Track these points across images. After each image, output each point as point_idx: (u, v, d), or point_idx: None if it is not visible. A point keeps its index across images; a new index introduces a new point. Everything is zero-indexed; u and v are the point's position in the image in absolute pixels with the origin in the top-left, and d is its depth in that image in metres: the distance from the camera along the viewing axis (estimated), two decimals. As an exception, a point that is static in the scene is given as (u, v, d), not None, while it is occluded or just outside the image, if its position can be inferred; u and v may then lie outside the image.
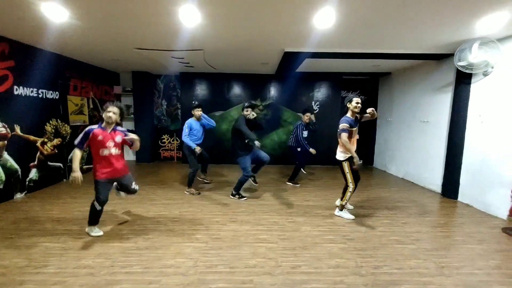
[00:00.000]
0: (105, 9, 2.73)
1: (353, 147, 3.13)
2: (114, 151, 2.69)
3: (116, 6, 2.65)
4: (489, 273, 2.18)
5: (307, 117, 4.71)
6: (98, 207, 2.68)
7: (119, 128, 2.76)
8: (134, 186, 2.92)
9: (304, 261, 2.32)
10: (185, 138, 4.06)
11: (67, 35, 3.54)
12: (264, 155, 4.00)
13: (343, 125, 3.04)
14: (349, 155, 3.11)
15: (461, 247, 2.64)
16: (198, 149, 4.04)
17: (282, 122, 6.70)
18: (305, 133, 4.74)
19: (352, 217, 3.27)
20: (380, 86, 6.57)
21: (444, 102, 4.39)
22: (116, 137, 2.71)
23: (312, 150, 4.60)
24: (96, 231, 2.77)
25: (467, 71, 3.67)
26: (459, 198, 4.06)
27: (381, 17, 2.84)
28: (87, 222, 2.76)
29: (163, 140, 7.16)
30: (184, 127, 4.12)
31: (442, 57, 4.30)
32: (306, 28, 3.15)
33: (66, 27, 3.24)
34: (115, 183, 2.88)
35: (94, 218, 2.76)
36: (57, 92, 4.70)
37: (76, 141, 2.57)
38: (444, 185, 4.29)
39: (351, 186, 3.20)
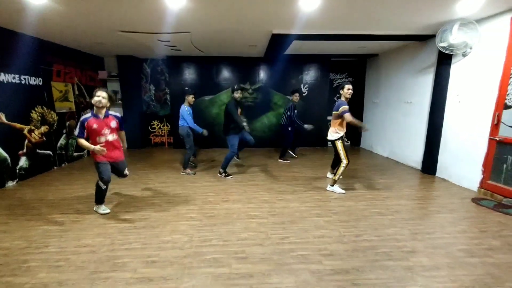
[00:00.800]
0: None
1: (344, 129, 3.54)
2: (111, 137, 2.78)
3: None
4: (455, 237, 2.45)
5: (296, 97, 5.06)
6: (103, 186, 2.86)
7: (111, 113, 2.81)
8: (127, 171, 3.03)
9: (292, 233, 2.51)
10: (193, 124, 4.37)
11: (46, 18, 3.42)
12: (250, 138, 4.25)
13: (344, 106, 3.38)
14: (341, 134, 3.52)
15: (435, 216, 2.90)
16: (205, 132, 4.41)
17: (272, 105, 6.77)
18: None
19: (343, 191, 3.56)
20: (368, 68, 6.67)
21: (426, 83, 4.56)
22: (111, 122, 2.76)
23: (307, 126, 4.94)
24: (103, 209, 2.97)
25: (448, 52, 3.80)
26: (437, 174, 4.35)
27: (366, -1, 2.89)
28: (94, 201, 2.96)
29: (153, 126, 7.13)
30: (185, 114, 4.33)
31: (425, 38, 4.41)
32: (292, 10, 3.17)
33: (44, 10, 3.12)
34: None
35: (100, 197, 2.94)
36: (40, 78, 4.56)
37: (76, 132, 2.70)
38: (424, 162, 4.57)
39: (344, 161, 3.49)
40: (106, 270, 1.97)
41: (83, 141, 2.65)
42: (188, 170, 4.49)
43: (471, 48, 3.68)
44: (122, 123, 2.93)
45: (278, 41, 4.54)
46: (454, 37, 3.56)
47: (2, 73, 3.83)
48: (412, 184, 3.99)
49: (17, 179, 4.09)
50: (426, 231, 2.55)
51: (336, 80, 7.06)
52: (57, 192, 3.62)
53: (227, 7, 3.11)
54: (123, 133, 2.98)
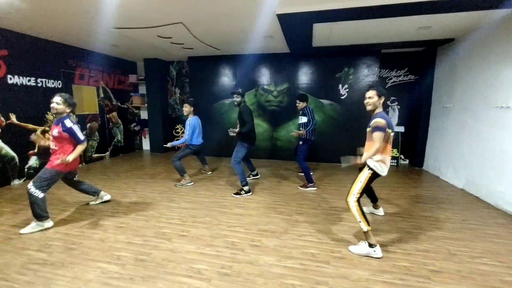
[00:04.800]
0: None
1: (387, 157, 2.25)
2: (52, 145, 2.59)
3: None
4: None
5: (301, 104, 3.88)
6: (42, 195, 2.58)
7: (65, 121, 2.51)
8: (30, 184, 2.49)
9: None
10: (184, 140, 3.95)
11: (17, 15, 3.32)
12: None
13: (378, 120, 2.18)
14: (379, 165, 2.21)
15: None
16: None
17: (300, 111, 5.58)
18: (303, 118, 3.78)
19: (380, 254, 2.12)
20: (438, 60, 4.77)
21: (540, 75, 2.70)
22: (54, 130, 2.54)
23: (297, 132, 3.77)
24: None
25: None
26: (558, 234, 2.45)
27: None
28: (36, 216, 2.56)
29: (177, 130, 6.90)
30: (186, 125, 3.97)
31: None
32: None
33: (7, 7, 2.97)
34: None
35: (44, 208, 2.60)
36: (59, 81, 4.73)
37: None
38: (529, 208, 2.69)
39: (363, 226, 2.14)
40: None
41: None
42: (186, 178, 4.00)
43: None
44: (72, 133, 2.54)
45: (291, 26, 3.47)
46: None
47: (15, 76, 4.00)
48: (498, 249, 2.28)
49: (25, 178, 4.23)
50: None
51: (391, 78, 5.36)
52: (66, 191, 3.43)
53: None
54: (79, 146, 2.61)
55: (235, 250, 2.24)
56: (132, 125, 6.79)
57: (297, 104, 3.88)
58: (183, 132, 6.86)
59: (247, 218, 2.87)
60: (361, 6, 2.88)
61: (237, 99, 3.64)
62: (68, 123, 2.51)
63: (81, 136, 2.60)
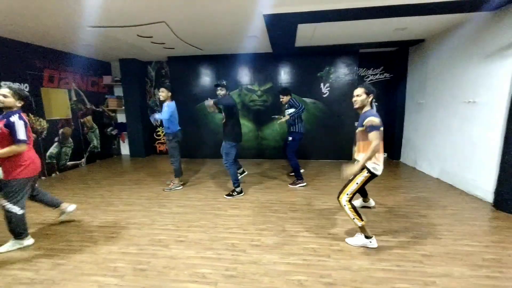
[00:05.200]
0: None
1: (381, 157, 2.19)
2: None
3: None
4: None
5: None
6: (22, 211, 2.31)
7: (13, 116, 2.14)
8: (4, 200, 2.20)
9: None
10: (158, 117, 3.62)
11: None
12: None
13: (371, 119, 2.09)
14: (375, 167, 2.14)
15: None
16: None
17: (285, 109, 5.67)
18: (290, 110, 3.77)
19: (375, 244, 2.25)
20: (410, 59, 5.11)
21: (501, 73, 3.01)
22: None
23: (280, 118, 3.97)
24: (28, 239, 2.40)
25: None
26: (522, 214, 2.76)
27: None
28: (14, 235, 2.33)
29: (158, 133, 6.66)
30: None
31: (498, 3, 2.89)
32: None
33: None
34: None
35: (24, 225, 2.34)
36: (26, 84, 4.33)
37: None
38: (498, 192, 3.00)
39: (358, 222, 2.20)
40: None
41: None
42: (175, 182, 3.86)
43: None
44: (14, 131, 2.11)
45: (276, 26, 3.51)
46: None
47: (-26, 79, 3.60)
48: (476, 231, 2.52)
49: (-8, 192, 3.83)
50: None
51: (368, 76, 5.64)
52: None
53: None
54: (14, 146, 2.13)
55: (236, 251, 2.23)
56: (108, 129, 6.42)
57: (281, 99, 3.85)
58: (164, 134, 6.64)
59: (243, 218, 2.86)
60: (345, 8, 3.00)
61: (221, 92, 3.39)
62: (13, 118, 2.12)
63: (21, 135, 2.13)
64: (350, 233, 2.45)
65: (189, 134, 5.85)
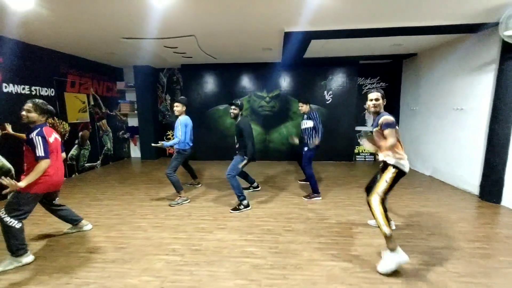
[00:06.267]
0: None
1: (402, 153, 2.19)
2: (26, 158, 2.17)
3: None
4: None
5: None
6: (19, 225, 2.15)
7: (35, 131, 2.11)
8: (2, 211, 2.08)
9: (294, 285, 1.85)
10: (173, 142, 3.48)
11: (38, 26, 3.30)
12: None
13: (386, 118, 2.15)
14: (400, 161, 2.11)
15: (506, 272, 2.00)
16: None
17: (291, 114, 6.14)
18: (308, 123, 3.56)
19: (406, 258, 2.01)
20: (404, 70, 5.73)
21: (484, 85, 3.59)
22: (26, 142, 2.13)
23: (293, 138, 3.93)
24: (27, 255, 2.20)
25: (517, 43, 2.88)
26: (503, 203, 3.30)
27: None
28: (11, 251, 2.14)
29: (168, 136, 6.95)
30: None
31: (481, 28, 3.48)
32: (305, 1, 2.60)
33: (35, 17, 2.98)
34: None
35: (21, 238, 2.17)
36: (52, 89, 4.57)
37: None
38: (483, 186, 3.54)
39: (385, 229, 1.99)
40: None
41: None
42: (182, 195, 3.52)
43: (552, 36, 2.72)
44: (33, 146, 2.06)
45: (293, 41, 3.97)
46: (526, 22, 2.65)
47: (10, 84, 3.83)
48: (467, 216, 3.03)
49: (21, 191, 4.01)
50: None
51: (366, 85, 6.21)
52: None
53: (229, 4, 2.68)
54: (38, 164, 2.05)
55: (273, 234, 2.60)
56: (120, 133, 6.65)
57: (300, 107, 3.67)
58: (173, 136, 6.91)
59: (273, 209, 3.24)
60: (353, 28, 3.51)
61: (234, 111, 3.26)
62: (32, 134, 2.07)
63: (39, 151, 2.04)
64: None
65: (200, 137, 6.18)
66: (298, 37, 3.76)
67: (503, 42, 3.07)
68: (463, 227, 2.73)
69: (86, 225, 2.75)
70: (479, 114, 3.67)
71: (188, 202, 3.52)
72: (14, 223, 2.04)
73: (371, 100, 2.27)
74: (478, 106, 3.70)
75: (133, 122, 6.86)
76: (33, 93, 4.21)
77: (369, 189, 2.35)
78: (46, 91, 4.45)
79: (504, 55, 3.19)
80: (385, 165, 2.18)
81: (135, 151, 7.06)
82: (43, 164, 2.05)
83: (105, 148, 6.05)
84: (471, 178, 3.80)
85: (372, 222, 2.74)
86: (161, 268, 2.07)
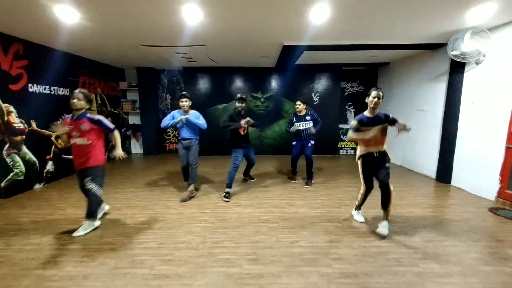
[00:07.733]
0: (114, 10, 2.93)
1: (365, 147, 2.76)
2: (79, 141, 2.54)
3: (124, 8, 2.84)
4: (469, 245, 2.41)
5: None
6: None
7: (88, 115, 2.55)
8: (89, 184, 2.59)
9: (302, 238, 2.56)
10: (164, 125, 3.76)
11: (77, 35, 3.75)
12: (253, 157, 4.18)
13: (351, 122, 2.71)
14: (363, 153, 2.74)
15: (449, 225, 2.86)
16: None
17: (283, 113, 6.89)
18: (300, 125, 4.23)
19: (362, 220, 2.89)
20: (379, 76, 6.69)
21: (439, 91, 4.53)
22: (82, 125, 2.52)
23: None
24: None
25: (460, 60, 3.80)
26: (452, 183, 4.26)
27: (374, 10, 2.99)
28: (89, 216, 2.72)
29: (168, 133, 7.41)
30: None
31: (436, 47, 4.42)
32: (302, 22, 3.31)
33: (76, 28, 3.44)
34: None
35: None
36: (67, 89, 4.94)
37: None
38: (438, 170, 4.49)
39: (361, 188, 2.83)
40: (126, 266, 2.10)
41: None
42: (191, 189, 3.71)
43: (484, 56, 3.66)
44: (103, 124, 2.59)
45: (289, 51, 4.70)
46: (466, 46, 3.57)
47: (34, 84, 4.19)
48: (426, 193, 3.93)
49: (44, 182, 4.39)
50: (439, 239, 2.52)
51: (348, 88, 7.11)
52: (80, 194, 3.84)
53: (241, 22, 3.30)
54: (115, 133, 2.72)
55: (280, 208, 3.30)
56: (122, 130, 7.02)
57: (297, 105, 4.25)
58: (174, 135, 7.41)
59: (276, 192, 3.94)
60: (339, 44, 4.30)
61: (242, 104, 3.79)
62: (95, 116, 2.55)
63: (111, 124, 2.68)
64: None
65: (200, 134, 6.72)
66: (294, 49, 4.49)
67: (451, 58, 3.99)
68: (421, 200, 3.61)
69: (106, 206, 3.12)
70: (436, 115, 4.62)
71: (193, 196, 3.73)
72: (100, 192, 2.67)
73: (374, 97, 2.55)
74: (435, 108, 4.65)
75: (133, 120, 7.25)
76: (52, 92, 4.58)
77: (370, 180, 2.87)
78: (62, 91, 4.82)
79: (452, 69, 4.13)
80: (383, 155, 2.77)
81: (135, 148, 7.45)
82: (117, 133, 2.75)
83: (110, 144, 6.41)
84: (430, 165, 4.76)
85: (380, 230, 2.64)
86: (199, 231, 2.69)
